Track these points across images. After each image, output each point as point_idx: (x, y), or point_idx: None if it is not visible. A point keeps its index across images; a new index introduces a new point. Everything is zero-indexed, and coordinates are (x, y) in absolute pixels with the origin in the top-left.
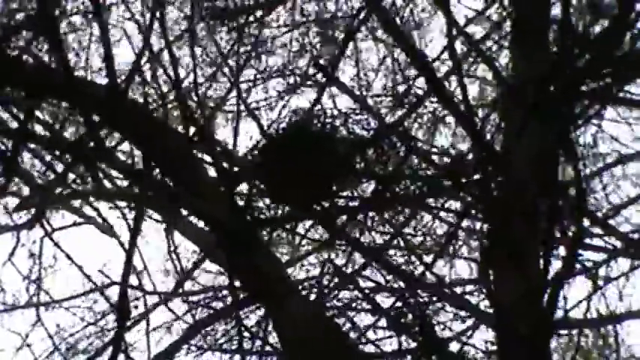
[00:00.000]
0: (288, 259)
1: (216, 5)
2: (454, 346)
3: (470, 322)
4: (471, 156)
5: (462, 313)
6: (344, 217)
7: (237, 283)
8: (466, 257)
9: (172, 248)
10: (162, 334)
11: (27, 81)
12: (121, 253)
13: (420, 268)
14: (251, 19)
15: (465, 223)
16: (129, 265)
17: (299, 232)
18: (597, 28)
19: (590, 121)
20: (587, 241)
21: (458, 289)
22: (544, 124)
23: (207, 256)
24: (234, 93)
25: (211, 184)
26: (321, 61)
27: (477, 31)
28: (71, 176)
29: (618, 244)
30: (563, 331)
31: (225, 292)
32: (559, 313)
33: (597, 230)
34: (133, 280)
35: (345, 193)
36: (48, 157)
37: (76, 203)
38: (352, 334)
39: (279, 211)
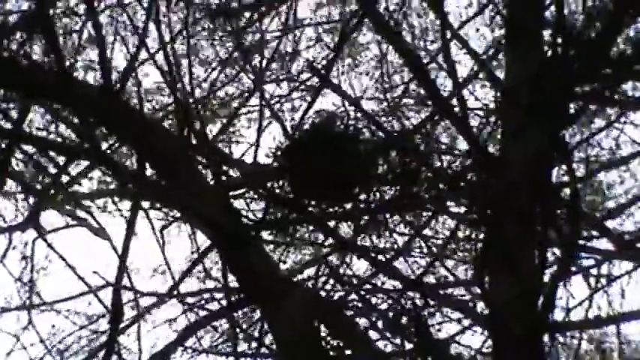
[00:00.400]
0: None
1: (212, 7)
2: (450, 348)
3: (466, 323)
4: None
5: (458, 315)
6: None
7: (233, 285)
8: (462, 259)
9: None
10: (157, 335)
11: (21, 82)
12: (114, 255)
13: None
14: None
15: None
16: (123, 266)
17: (298, 235)
18: (591, 29)
19: (612, 124)
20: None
21: (454, 291)
22: (539, 126)
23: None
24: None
25: (207, 186)
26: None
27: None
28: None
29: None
30: (563, 333)
31: (220, 293)
32: (559, 315)
33: (593, 232)
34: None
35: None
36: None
37: (69, 205)
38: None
39: (276, 214)
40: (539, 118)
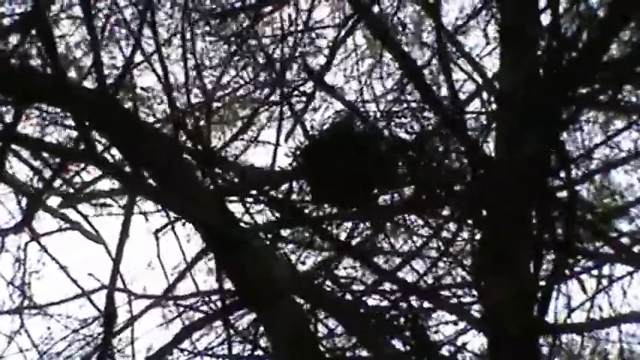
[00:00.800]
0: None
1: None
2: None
3: (462, 325)
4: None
5: (454, 317)
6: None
7: (227, 287)
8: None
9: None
10: (151, 338)
11: (16, 84)
12: (108, 258)
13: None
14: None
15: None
16: (116, 269)
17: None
18: (585, 34)
19: (631, 127)
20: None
21: (450, 293)
22: (534, 129)
23: None
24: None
25: (201, 188)
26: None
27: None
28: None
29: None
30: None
31: (215, 296)
32: (560, 317)
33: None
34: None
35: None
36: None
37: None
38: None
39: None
40: (534, 121)
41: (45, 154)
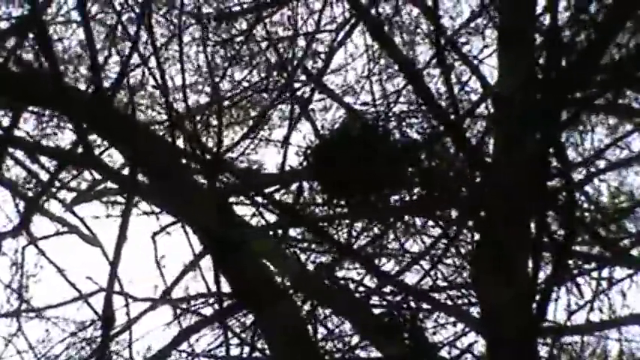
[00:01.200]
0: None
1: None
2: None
3: (460, 327)
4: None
5: (452, 319)
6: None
7: (226, 289)
8: (457, 263)
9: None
10: (149, 342)
11: (13, 87)
12: (106, 261)
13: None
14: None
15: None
16: (114, 272)
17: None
18: (583, 37)
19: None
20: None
21: (448, 294)
22: (533, 131)
23: None
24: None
25: (199, 190)
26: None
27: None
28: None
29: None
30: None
31: (213, 298)
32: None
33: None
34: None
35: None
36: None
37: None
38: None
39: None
40: (533, 124)
41: (42, 158)
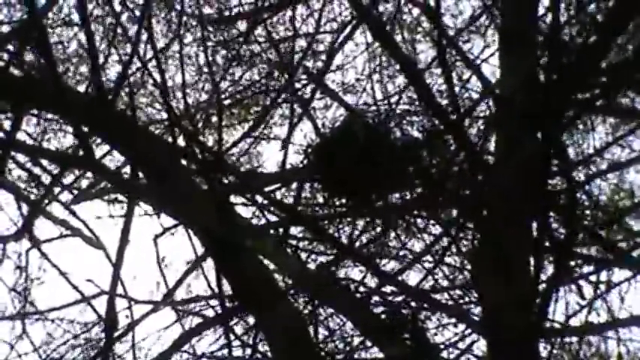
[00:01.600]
0: None
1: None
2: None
3: (461, 328)
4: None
5: (453, 320)
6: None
7: (227, 292)
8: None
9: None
10: (151, 344)
11: (14, 91)
12: (108, 263)
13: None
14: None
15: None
16: (117, 274)
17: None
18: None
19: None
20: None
21: (449, 295)
22: (534, 132)
23: None
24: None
25: (200, 192)
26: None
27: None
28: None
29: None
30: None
31: (215, 300)
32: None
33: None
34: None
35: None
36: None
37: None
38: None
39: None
40: (534, 124)
41: (44, 161)
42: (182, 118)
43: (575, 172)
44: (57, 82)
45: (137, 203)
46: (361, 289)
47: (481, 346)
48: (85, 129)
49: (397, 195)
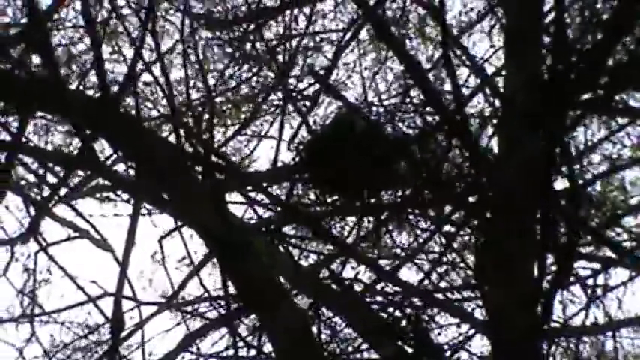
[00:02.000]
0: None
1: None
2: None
3: (465, 328)
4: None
5: (456, 320)
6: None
7: (232, 292)
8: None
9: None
10: (157, 344)
11: (19, 93)
12: (115, 265)
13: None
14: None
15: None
16: (123, 275)
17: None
18: (590, 38)
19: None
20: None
21: (452, 296)
22: (537, 133)
23: None
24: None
25: (203, 193)
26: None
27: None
28: None
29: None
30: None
31: (220, 301)
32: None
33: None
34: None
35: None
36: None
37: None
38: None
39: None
40: (537, 124)
41: (50, 164)
42: (181, 114)
43: (577, 171)
44: (58, 84)
45: (143, 204)
46: (361, 289)
47: (478, 345)
48: (87, 130)
49: (390, 192)
